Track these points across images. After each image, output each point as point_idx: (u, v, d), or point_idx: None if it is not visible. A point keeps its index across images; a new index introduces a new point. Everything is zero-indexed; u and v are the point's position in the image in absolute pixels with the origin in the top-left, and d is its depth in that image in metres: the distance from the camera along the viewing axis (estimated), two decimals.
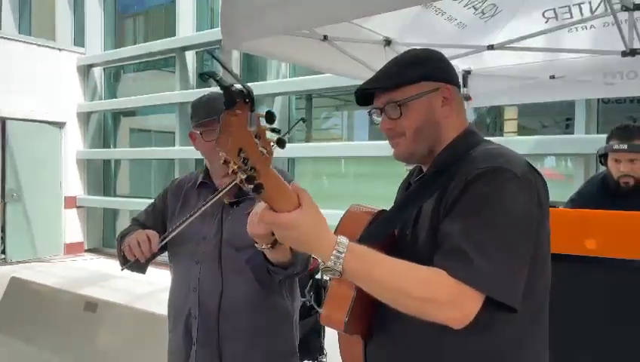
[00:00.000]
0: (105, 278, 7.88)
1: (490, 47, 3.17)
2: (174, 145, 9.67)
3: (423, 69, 1.20)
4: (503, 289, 0.96)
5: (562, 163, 7.61)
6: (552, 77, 3.89)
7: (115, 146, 11.56)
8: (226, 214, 1.83)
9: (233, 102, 0.87)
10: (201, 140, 1.87)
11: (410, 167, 1.40)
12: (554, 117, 8.96)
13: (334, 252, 0.93)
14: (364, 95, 1.25)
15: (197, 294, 1.80)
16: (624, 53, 2.50)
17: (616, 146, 2.35)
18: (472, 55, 3.65)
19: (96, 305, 2.59)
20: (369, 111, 1.27)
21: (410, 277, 0.96)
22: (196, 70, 9.32)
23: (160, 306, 3.70)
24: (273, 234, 1.60)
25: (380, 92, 1.21)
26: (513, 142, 7.22)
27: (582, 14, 3.33)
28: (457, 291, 0.95)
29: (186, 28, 9.38)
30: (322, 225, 0.94)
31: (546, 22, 3.52)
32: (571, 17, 3.39)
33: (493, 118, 8.73)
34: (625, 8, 2.26)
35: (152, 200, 2.06)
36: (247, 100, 0.89)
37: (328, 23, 2.51)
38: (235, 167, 0.84)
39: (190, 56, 9.38)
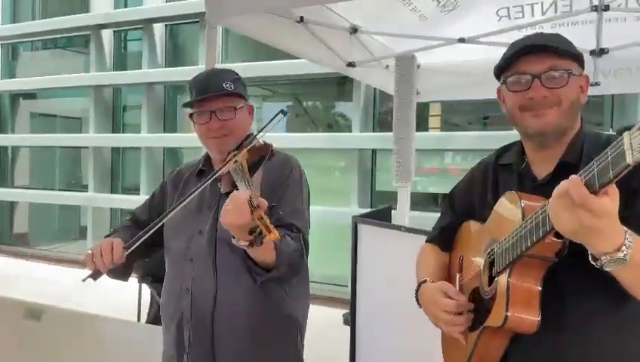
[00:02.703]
0: (9, 280, 7.07)
1: (462, 40, 3.21)
2: (81, 132, 8.95)
3: (578, 51, 1.18)
4: None
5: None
6: None
7: (12, 132, 10.43)
8: (222, 205, 1.63)
9: None
10: (193, 123, 1.66)
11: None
12: (474, 114, 9.50)
13: (625, 241, 0.89)
14: None
15: (190, 296, 1.59)
16: (592, 53, 2.65)
17: None
18: (423, 50, 3.69)
19: (42, 311, 2.24)
20: (505, 80, 1.18)
21: None
22: (114, 50, 8.63)
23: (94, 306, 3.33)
24: (251, 232, 1.32)
25: (543, 55, 1.13)
26: (456, 137, 7.54)
27: (533, 15, 3.50)
28: None
29: (102, 4, 8.64)
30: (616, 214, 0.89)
31: (499, 20, 3.66)
32: (523, 17, 3.55)
33: (418, 113, 9.03)
34: (594, 9, 2.40)
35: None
36: None
37: (308, 4, 2.43)
38: None
39: (107, 35, 8.65)
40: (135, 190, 9.08)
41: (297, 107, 9.42)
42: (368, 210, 7.64)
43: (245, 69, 7.38)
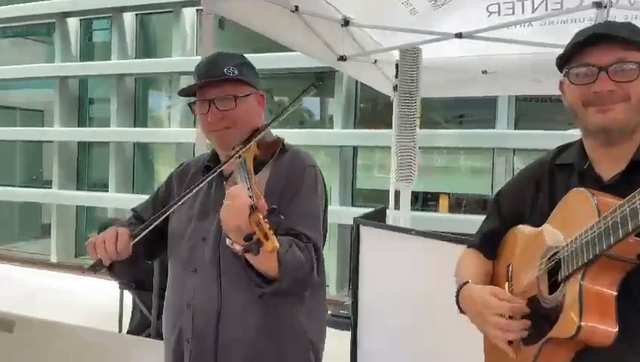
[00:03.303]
0: None
1: (459, 35, 3.15)
2: (43, 125, 8.54)
3: None
4: None
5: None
6: (485, 72, 4.02)
7: None
8: None
9: None
10: (195, 114, 1.50)
11: None
12: (449, 112, 9.55)
13: None
14: None
15: (191, 312, 1.43)
16: None
17: None
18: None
19: (14, 323, 2.03)
20: (568, 71, 1.08)
21: None
22: (80, 39, 8.24)
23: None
24: (247, 238, 1.13)
25: (611, 46, 1.04)
26: (438, 135, 7.51)
27: (523, 12, 3.47)
28: None
29: None
30: None
31: (489, 16, 3.62)
32: (513, 14, 3.52)
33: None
34: (596, 5, 2.37)
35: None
36: None
37: None
38: None
39: (73, 24, 8.24)
40: (103, 187, 8.73)
41: (270, 102, 9.25)
42: (349, 207, 7.57)
43: None
